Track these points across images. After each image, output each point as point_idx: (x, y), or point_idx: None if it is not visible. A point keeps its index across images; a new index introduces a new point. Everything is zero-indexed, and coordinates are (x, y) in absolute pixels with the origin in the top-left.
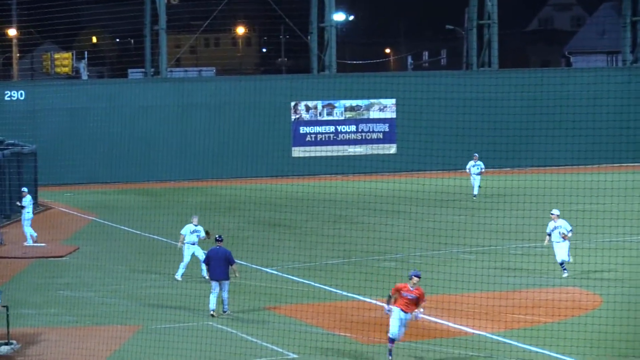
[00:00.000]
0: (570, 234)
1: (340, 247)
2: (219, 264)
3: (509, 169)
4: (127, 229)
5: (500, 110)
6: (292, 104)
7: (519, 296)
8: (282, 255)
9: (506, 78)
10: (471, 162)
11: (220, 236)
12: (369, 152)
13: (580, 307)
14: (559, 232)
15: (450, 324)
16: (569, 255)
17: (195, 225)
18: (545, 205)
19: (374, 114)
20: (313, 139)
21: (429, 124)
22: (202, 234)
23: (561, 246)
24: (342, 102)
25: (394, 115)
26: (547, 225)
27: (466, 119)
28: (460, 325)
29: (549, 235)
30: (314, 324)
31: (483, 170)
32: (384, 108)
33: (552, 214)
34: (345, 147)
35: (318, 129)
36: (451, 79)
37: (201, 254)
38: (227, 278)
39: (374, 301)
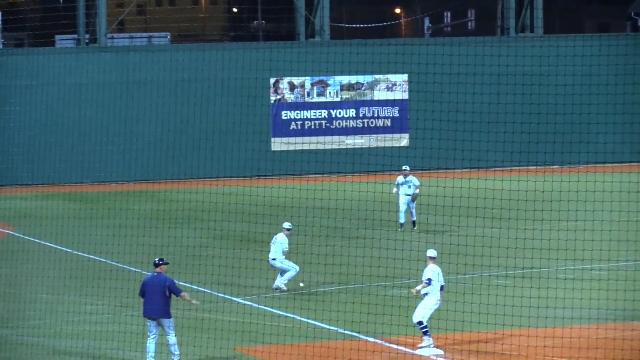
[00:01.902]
0: (428, 286)
1: (334, 270)
2: (155, 296)
3: (557, 166)
4: (54, 245)
5: (545, 90)
6: (272, 80)
7: (569, 334)
8: (258, 280)
9: (553, 47)
10: (400, 178)
11: (161, 259)
12: (373, 144)
13: None
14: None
15: None
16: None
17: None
18: (604, 214)
19: (380, 94)
20: (299, 128)
21: (452, 107)
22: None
23: (425, 302)
24: (338, 78)
25: (405, 96)
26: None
27: (501, 101)
28: None
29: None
30: None
31: (417, 190)
32: (393, 86)
33: (430, 256)
34: (342, 137)
35: (306, 114)
36: (481, 49)
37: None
38: (168, 315)
39: (379, 341)
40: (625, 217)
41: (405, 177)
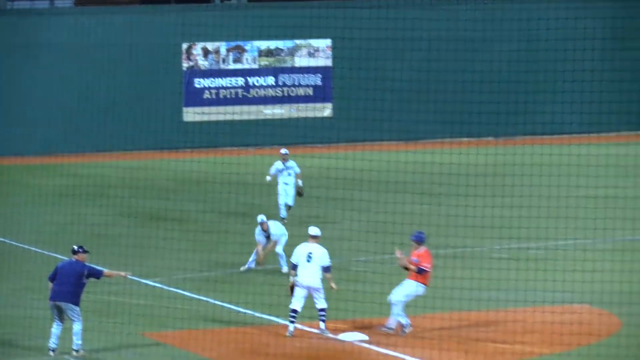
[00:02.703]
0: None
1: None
2: (66, 282)
3: (491, 138)
4: None
5: (484, 56)
6: (184, 46)
7: (504, 317)
8: (168, 261)
9: (488, 10)
10: (277, 164)
11: (81, 247)
12: (294, 114)
13: (591, 333)
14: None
15: (408, 357)
16: (323, 301)
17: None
18: (542, 189)
19: (301, 60)
20: (214, 97)
21: (379, 74)
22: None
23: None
24: (256, 43)
25: (329, 63)
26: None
27: (432, 68)
28: (422, 358)
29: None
30: (213, 358)
31: (301, 182)
32: (315, 52)
33: (310, 234)
34: (260, 107)
35: (221, 82)
36: (411, 11)
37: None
38: (75, 302)
39: (299, 326)
40: (565, 193)
41: (284, 162)
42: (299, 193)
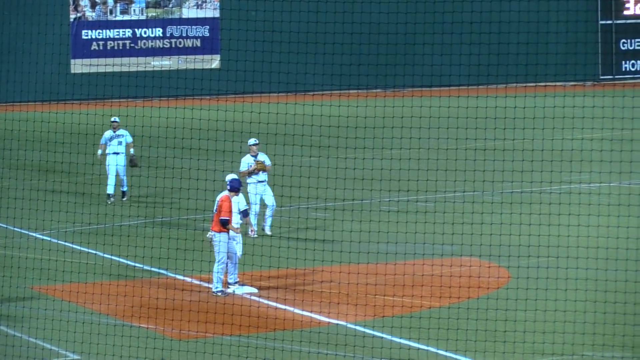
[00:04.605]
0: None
1: (141, 202)
2: None
3: (380, 90)
4: None
5: (367, 7)
6: None
7: (393, 270)
8: (57, 214)
9: None
10: (106, 133)
11: None
12: (182, 66)
13: (480, 286)
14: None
15: (297, 311)
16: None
17: None
18: (431, 142)
19: (189, 12)
20: (101, 48)
21: (267, 26)
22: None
23: None
24: None
25: (217, 14)
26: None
27: (320, 19)
28: (311, 312)
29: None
30: (102, 312)
31: (130, 145)
32: (203, 4)
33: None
34: (148, 59)
35: (108, 33)
36: None
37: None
38: None
39: (189, 279)
40: (454, 145)
41: (115, 131)
42: (134, 164)
